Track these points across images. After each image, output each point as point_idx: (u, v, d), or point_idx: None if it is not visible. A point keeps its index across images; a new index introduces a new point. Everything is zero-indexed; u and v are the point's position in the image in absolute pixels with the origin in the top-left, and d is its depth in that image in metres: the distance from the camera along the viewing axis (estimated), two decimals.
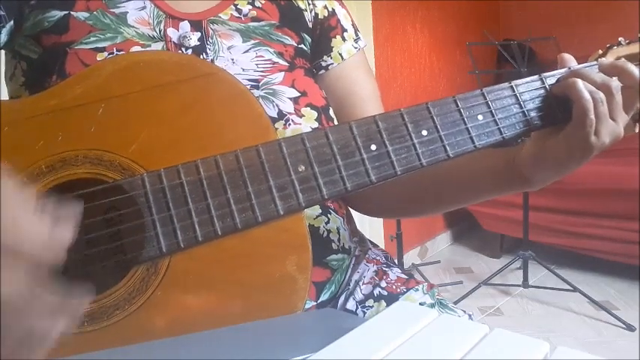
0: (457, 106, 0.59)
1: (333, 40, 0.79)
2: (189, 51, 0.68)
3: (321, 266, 0.71)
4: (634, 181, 2.39)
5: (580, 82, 0.59)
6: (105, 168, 0.54)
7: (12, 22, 0.66)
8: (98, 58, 0.64)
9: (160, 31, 0.68)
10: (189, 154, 0.54)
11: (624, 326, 2.24)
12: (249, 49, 0.71)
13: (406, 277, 0.76)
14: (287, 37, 0.74)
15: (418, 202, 0.78)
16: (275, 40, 0.73)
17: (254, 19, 0.73)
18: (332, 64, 0.78)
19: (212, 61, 0.69)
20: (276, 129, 0.67)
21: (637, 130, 0.65)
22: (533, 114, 0.62)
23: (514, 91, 0.62)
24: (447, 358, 0.39)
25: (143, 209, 0.52)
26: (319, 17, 0.78)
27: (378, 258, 0.80)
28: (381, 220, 2.68)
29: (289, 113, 0.69)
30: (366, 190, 0.57)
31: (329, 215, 0.72)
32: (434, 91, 3.19)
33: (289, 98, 0.70)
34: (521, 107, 0.61)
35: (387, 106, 0.75)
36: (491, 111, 0.60)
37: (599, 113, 0.59)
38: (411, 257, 3.04)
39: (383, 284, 0.74)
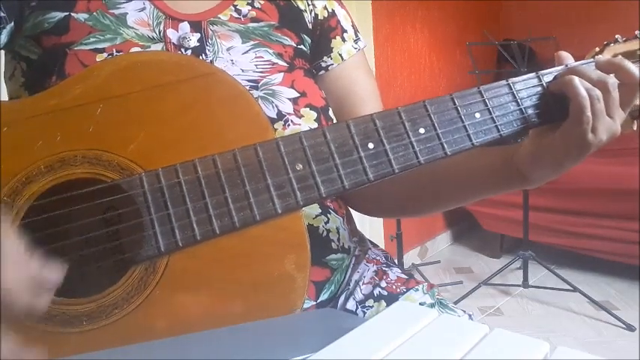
0: (454, 104, 0.59)
1: (333, 40, 0.79)
2: (189, 52, 0.68)
3: (321, 266, 0.71)
4: (634, 181, 2.39)
5: (576, 79, 0.59)
6: (103, 168, 0.54)
7: (12, 23, 0.66)
8: (98, 59, 0.64)
9: (159, 32, 0.68)
10: (188, 153, 0.54)
11: (624, 326, 2.24)
12: (249, 49, 0.71)
13: (406, 277, 0.76)
14: (286, 37, 0.74)
15: (416, 201, 0.77)
16: (274, 41, 0.73)
17: (253, 20, 0.73)
18: (332, 64, 0.78)
19: (211, 61, 0.68)
20: (276, 129, 0.67)
21: (635, 128, 0.65)
22: (530, 111, 0.62)
23: (511, 88, 0.62)
24: (447, 358, 0.39)
25: (141, 208, 0.52)
26: (319, 18, 0.78)
27: (378, 258, 0.80)
28: (381, 220, 2.68)
29: (288, 114, 0.69)
30: (364, 188, 0.57)
31: (328, 215, 0.72)
32: (434, 91, 3.19)
33: (288, 99, 0.70)
34: (518, 105, 0.61)
35: (387, 106, 0.74)
36: (488, 109, 0.60)
37: (596, 110, 0.59)
38: (411, 257, 3.03)
39: (383, 284, 0.74)
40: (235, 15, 0.72)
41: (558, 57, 0.65)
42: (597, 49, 0.68)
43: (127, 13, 0.68)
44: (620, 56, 0.64)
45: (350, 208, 0.82)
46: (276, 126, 0.68)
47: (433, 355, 0.39)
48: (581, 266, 2.76)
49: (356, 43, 0.81)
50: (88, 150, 0.54)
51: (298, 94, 0.71)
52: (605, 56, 0.66)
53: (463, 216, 3.18)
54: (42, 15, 0.66)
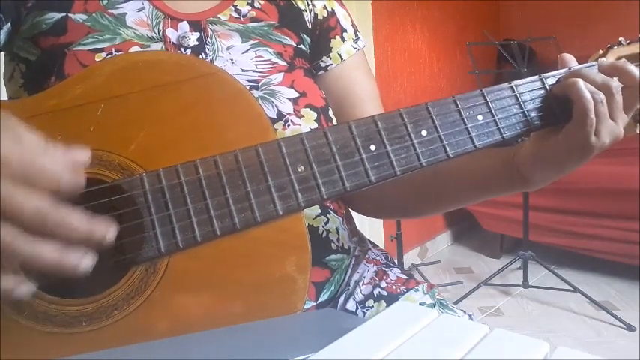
0: (457, 106, 0.59)
1: (333, 40, 0.79)
2: (189, 51, 0.68)
3: (321, 266, 0.71)
4: (634, 181, 2.39)
5: (581, 82, 0.59)
6: (104, 168, 0.54)
7: (9, 24, 0.66)
8: (97, 59, 0.64)
9: (158, 32, 0.68)
10: (189, 154, 0.54)
11: (624, 326, 2.24)
12: (249, 49, 0.71)
13: (406, 277, 0.76)
14: (286, 37, 0.74)
15: (418, 202, 0.77)
16: (274, 41, 0.73)
17: (253, 20, 0.73)
18: (331, 64, 0.78)
19: (211, 61, 0.68)
20: (275, 130, 0.67)
21: (638, 131, 0.65)
22: (533, 114, 0.62)
23: (514, 91, 0.61)
24: (447, 358, 0.39)
25: (142, 209, 0.52)
26: (318, 18, 0.78)
27: (378, 258, 0.80)
28: (381, 220, 2.68)
29: (288, 114, 0.69)
30: (365, 190, 0.57)
31: (328, 215, 0.72)
32: (434, 91, 3.19)
33: (288, 99, 0.70)
34: (521, 107, 0.61)
35: (387, 106, 0.75)
36: (491, 111, 0.60)
37: (599, 113, 0.58)
38: (411, 257, 3.04)
39: (383, 284, 0.74)
40: (235, 15, 0.72)
41: (561, 60, 0.65)
42: (601, 51, 0.68)
43: (126, 13, 0.68)
44: (623, 59, 0.64)
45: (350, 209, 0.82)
46: (276, 126, 0.68)
47: (433, 355, 0.39)
48: (581, 266, 2.76)
49: (356, 43, 0.81)
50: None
51: (298, 94, 0.71)
52: (609, 59, 0.66)
53: (463, 216, 3.18)
54: (39, 16, 0.66)
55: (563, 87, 0.61)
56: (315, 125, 0.70)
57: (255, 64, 0.70)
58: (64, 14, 0.66)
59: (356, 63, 0.81)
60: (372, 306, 0.72)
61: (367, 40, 2.50)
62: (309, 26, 0.77)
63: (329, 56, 0.78)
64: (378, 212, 0.87)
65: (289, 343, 0.48)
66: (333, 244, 0.72)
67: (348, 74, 0.80)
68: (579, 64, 0.64)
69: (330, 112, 0.75)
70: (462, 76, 3.32)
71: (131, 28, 0.67)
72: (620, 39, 0.67)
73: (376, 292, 0.73)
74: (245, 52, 0.70)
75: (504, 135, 0.60)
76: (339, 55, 0.79)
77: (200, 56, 0.68)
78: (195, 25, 0.70)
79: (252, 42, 0.71)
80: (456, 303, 2.10)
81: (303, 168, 0.54)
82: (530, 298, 2.56)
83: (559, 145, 0.61)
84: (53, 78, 0.64)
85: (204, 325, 0.52)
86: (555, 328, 2.30)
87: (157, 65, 0.58)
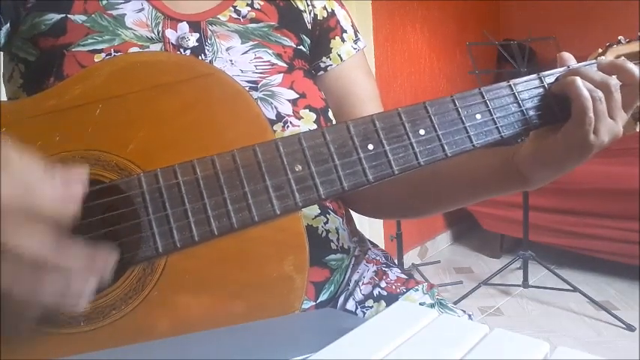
0: (455, 105, 0.59)
1: (332, 41, 0.79)
2: (188, 52, 0.68)
3: (320, 266, 0.71)
4: (634, 181, 2.39)
5: (579, 80, 0.59)
6: (102, 168, 0.54)
7: (8, 24, 0.66)
8: (96, 60, 0.64)
9: (158, 33, 0.68)
10: (187, 154, 0.54)
11: (624, 326, 2.24)
12: (248, 50, 0.70)
13: (406, 277, 0.76)
14: (286, 38, 0.74)
15: (417, 202, 0.77)
16: (274, 42, 0.73)
17: (253, 21, 0.73)
18: (331, 65, 0.78)
19: (211, 62, 0.68)
20: (275, 131, 0.67)
21: (637, 129, 0.65)
22: (531, 113, 0.61)
23: (512, 90, 0.61)
24: (447, 358, 0.39)
25: (140, 209, 0.52)
26: (318, 18, 0.78)
27: (377, 258, 0.80)
28: (381, 220, 2.68)
29: (288, 115, 0.69)
30: (364, 190, 0.57)
31: (328, 215, 0.72)
32: (434, 91, 3.19)
33: (288, 100, 0.69)
34: (519, 106, 0.61)
35: (386, 107, 0.74)
36: (489, 110, 0.60)
37: (598, 111, 0.58)
38: (411, 257, 3.04)
39: (383, 284, 0.74)
40: (234, 15, 0.72)
41: (560, 58, 0.64)
42: (600, 50, 0.68)
43: (126, 14, 0.68)
44: (623, 57, 0.64)
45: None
46: (275, 127, 0.67)
47: (433, 355, 0.39)
48: (581, 266, 2.76)
49: (355, 44, 0.81)
50: (87, 150, 0.54)
51: (298, 95, 0.71)
52: (608, 57, 0.66)
53: (463, 216, 3.18)
54: (39, 16, 0.66)
55: (561, 85, 0.61)
56: (315, 127, 0.70)
57: (255, 65, 0.70)
58: (64, 15, 0.66)
59: (356, 63, 0.81)
60: (372, 306, 0.71)
61: (367, 40, 2.51)
62: (309, 27, 0.77)
63: (329, 57, 0.78)
64: (378, 212, 0.86)
65: (289, 343, 0.48)
66: (332, 244, 0.72)
67: (347, 75, 0.79)
68: (579, 63, 0.64)
69: (330, 114, 0.75)
70: (462, 76, 3.32)
71: (130, 28, 0.67)
72: (619, 37, 0.67)
73: (376, 292, 0.73)
74: (244, 53, 0.70)
75: (503, 134, 0.60)
76: (339, 55, 0.78)
77: (199, 57, 0.68)
78: (194, 26, 0.69)
79: (251, 43, 0.71)
80: (456, 303, 2.10)
81: (300, 167, 0.54)
82: (530, 298, 2.56)
83: (558, 143, 0.61)
84: (52, 79, 0.64)
85: (202, 324, 0.52)
86: (555, 328, 2.30)
87: (156, 66, 0.58)
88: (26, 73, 0.67)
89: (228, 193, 0.53)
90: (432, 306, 0.71)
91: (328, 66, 0.78)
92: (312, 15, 0.78)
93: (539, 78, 0.63)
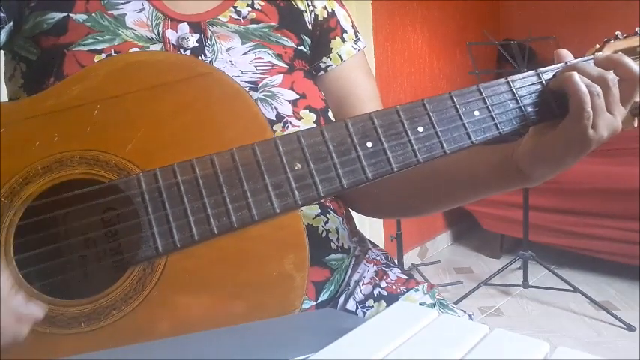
0: (453, 102, 0.59)
1: (333, 41, 0.78)
2: (188, 52, 0.68)
3: (321, 266, 0.70)
4: (634, 181, 2.38)
5: (576, 75, 0.59)
6: (101, 168, 0.54)
7: (11, 23, 0.66)
8: (96, 60, 0.64)
9: (158, 33, 0.68)
10: (186, 153, 0.54)
11: (624, 326, 2.24)
12: (248, 50, 0.70)
13: (406, 277, 0.76)
14: (286, 38, 0.74)
15: (417, 201, 0.77)
16: (274, 42, 0.72)
17: (253, 21, 0.73)
18: (331, 65, 0.78)
19: (211, 62, 0.68)
20: (275, 131, 0.67)
21: (636, 125, 0.65)
22: (530, 109, 0.61)
23: (510, 86, 0.61)
24: (447, 358, 0.39)
25: (139, 209, 0.52)
26: (319, 18, 0.78)
27: (378, 258, 0.80)
28: (381, 220, 2.68)
29: (287, 116, 0.69)
30: (363, 189, 0.57)
31: (328, 215, 0.72)
32: (434, 91, 3.19)
33: (288, 100, 0.69)
34: (517, 102, 0.61)
35: (386, 106, 0.74)
36: (487, 106, 0.60)
37: (596, 106, 0.58)
38: (411, 257, 3.03)
39: (383, 284, 0.74)
40: (235, 16, 0.72)
41: (558, 55, 0.64)
42: (597, 46, 0.68)
43: (126, 14, 0.68)
44: (620, 52, 0.64)
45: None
46: (275, 128, 0.67)
47: (433, 355, 0.39)
48: (581, 266, 2.76)
49: (356, 44, 0.81)
50: (86, 151, 0.54)
51: (298, 96, 0.71)
52: (605, 53, 0.66)
53: (463, 216, 3.18)
54: (41, 15, 0.66)
55: (559, 81, 0.61)
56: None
57: (255, 66, 0.70)
58: (66, 14, 0.66)
59: (356, 64, 0.81)
60: (372, 306, 0.71)
61: (367, 40, 2.50)
62: (310, 27, 0.77)
63: (329, 57, 0.78)
64: (378, 212, 0.86)
65: (289, 343, 0.48)
66: (332, 243, 0.72)
67: (348, 75, 0.79)
68: (576, 59, 0.64)
69: (330, 114, 0.75)
70: (462, 76, 3.32)
71: (131, 28, 0.67)
72: (616, 33, 0.67)
73: (376, 292, 0.73)
74: (245, 53, 0.70)
75: (501, 130, 0.60)
76: (339, 55, 0.78)
77: (199, 57, 0.68)
78: (194, 27, 0.69)
79: (252, 43, 0.71)
80: (456, 303, 2.10)
81: (299, 166, 0.54)
82: (530, 298, 2.56)
83: (557, 139, 0.61)
84: (52, 78, 0.64)
85: (202, 324, 0.51)
86: (555, 328, 2.30)
87: (154, 65, 0.58)
88: (27, 73, 0.67)
89: (228, 192, 0.53)
90: (432, 306, 0.71)
91: (328, 66, 0.78)
92: (312, 15, 0.77)
93: (537, 74, 0.63)
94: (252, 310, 0.54)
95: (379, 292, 0.73)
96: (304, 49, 0.76)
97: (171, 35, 0.68)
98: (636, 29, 0.66)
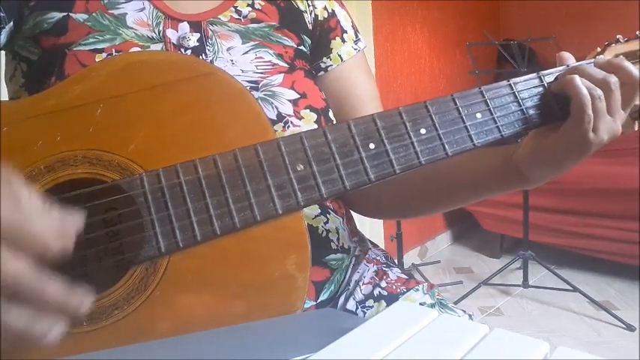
0: (455, 104, 0.59)
1: (333, 41, 0.79)
2: (189, 52, 0.68)
3: (320, 266, 0.71)
4: (634, 181, 2.39)
5: (577, 78, 0.59)
6: (103, 168, 0.54)
7: (11, 23, 0.66)
8: (97, 60, 0.64)
9: (159, 32, 0.68)
10: (188, 153, 0.54)
11: (624, 326, 2.24)
12: (249, 50, 0.71)
13: (406, 277, 0.76)
14: (287, 38, 0.74)
15: (417, 202, 0.77)
16: (275, 42, 0.73)
17: (253, 21, 0.73)
18: (331, 65, 0.78)
19: (211, 62, 0.68)
20: (276, 131, 0.67)
21: (636, 128, 0.65)
22: (531, 112, 0.62)
23: (512, 89, 0.62)
24: (447, 358, 0.39)
25: (142, 209, 0.52)
26: (319, 19, 0.78)
27: (378, 258, 0.80)
28: (381, 220, 2.68)
29: (288, 115, 0.69)
30: (365, 190, 0.57)
31: (328, 215, 0.72)
32: (434, 91, 3.19)
33: (288, 100, 0.70)
34: (519, 105, 0.61)
35: (386, 107, 0.74)
36: (489, 109, 0.60)
37: (598, 110, 0.59)
38: (411, 257, 3.04)
39: (383, 284, 0.74)
40: (235, 16, 0.72)
41: (560, 58, 0.65)
42: (599, 49, 0.68)
43: (127, 14, 0.68)
44: (621, 56, 0.64)
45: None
46: (275, 127, 0.68)
47: (433, 355, 0.39)
48: (581, 266, 2.76)
49: (356, 44, 0.81)
50: (88, 150, 0.54)
51: (298, 96, 0.71)
52: (607, 56, 0.66)
53: (463, 216, 3.18)
54: (41, 15, 0.66)
55: (561, 84, 0.61)
56: (315, 127, 0.70)
57: (256, 65, 0.70)
58: (66, 14, 0.66)
59: (356, 64, 0.81)
60: (372, 306, 0.71)
61: (367, 40, 2.50)
62: (310, 27, 0.77)
63: (329, 57, 0.78)
64: (378, 212, 0.87)
65: (289, 343, 0.48)
66: (332, 243, 0.72)
67: (347, 75, 0.80)
68: (577, 62, 0.64)
69: (330, 114, 0.75)
70: (462, 76, 3.32)
71: (131, 28, 0.67)
72: (617, 36, 0.67)
73: (376, 292, 0.73)
74: (245, 53, 0.70)
75: (503, 133, 0.60)
76: (339, 56, 0.79)
77: (200, 57, 0.68)
78: (195, 26, 0.70)
79: (252, 43, 0.71)
80: (456, 303, 2.10)
81: (302, 167, 0.54)
82: (530, 298, 2.56)
83: (558, 142, 0.61)
84: (53, 78, 0.64)
85: (204, 324, 0.52)
86: (555, 328, 2.30)
87: (156, 65, 0.58)
88: (28, 72, 0.68)
89: (230, 193, 0.53)
90: (432, 306, 0.71)
91: (328, 66, 0.78)
92: (312, 15, 0.78)
93: (539, 77, 0.63)
94: (254, 311, 0.54)
95: (379, 292, 0.73)
96: (304, 49, 0.76)
97: (171, 34, 0.68)
98: (637, 32, 0.66)
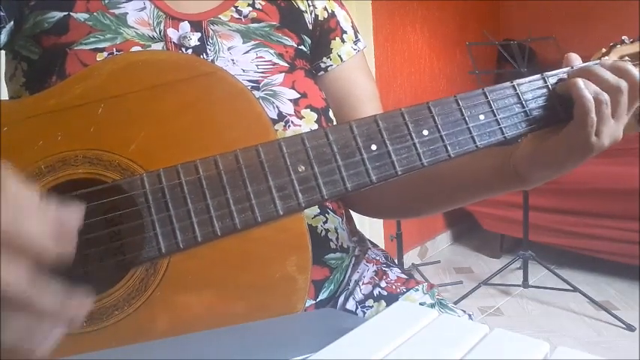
0: (458, 105, 0.59)
1: (333, 41, 0.79)
2: (190, 51, 0.68)
3: (320, 265, 0.71)
4: (634, 181, 2.39)
5: (580, 82, 0.59)
6: (104, 168, 0.54)
7: (12, 22, 0.66)
8: (98, 59, 0.64)
9: (159, 32, 0.68)
10: (189, 153, 0.54)
11: (624, 326, 2.24)
12: (250, 49, 0.71)
13: (406, 277, 0.76)
14: (287, 38, 0.74)
15: (418, 202, 0.77)
16: (275, 41, 0.73)
17: (254, 21, 0.73)
18: (331, 65, 0.78)
19: (212, 61, 0.68)
20: (276, 131, 0.67)
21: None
22: (535, 113, 0.61)
23: (516, 90, 0.61)
24: (447, 358, 0.39)
25: (142, 209, 0.52)
26: (319, 19, 0.78)
27: (377, 258, 0.80)
28: (381, 220, 2.68)
29: (289, 115, 0.69)
30: (366, 192, 0.57)
31: (327, 215, 0.72)
32: (434, 91, 3.19)
33: (289, 100, 0.70)
34: (523, 107, 0.61)
35: (386, 107, 0.75)
36: (492, 110, 0.60)
37: (602, 114, 0.58)
38: (411, 257, 3.04)
39: (383, 284, 0.74)
40: (236, 15, 0.72)
41: (567, 59, 0.64)
42: (604, 50, 0.68)
43: (127, 13, 0.68)
44: (626, 58, 0.64)
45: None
46: (276, 127, 0.68)
47: (433, 355, 0.39)
48: (581, 266, 2.76)
49: (355, 44, 0.81)
50: (89, 150, 0.54)
51: (299, 95, 0.71)
52: (612, 58, 0.65)
53: (463, 216, 3.18)
54: (41, 15, 0.66)
55: (565, 86, 0.61)
56: (316, 126, 0.70)
57: (257, 65, 0.70)
58: (66, 13, 0.66)
59: (356, 64, 0.81)
60: (372, 306, 0.72)
61: (367, 40, 2.51)
62: (310, 27, 0.77)
63: (329, 57, 0.78)
64: (379, 212, 0.87)
65: (289, 343, 0.48)
66: (331, 243, 0.72)
67: (347, 75, 0.80)
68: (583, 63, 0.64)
69: (331, 113, 0.75)
70: (462, 76, 3.32)
71: (132, 27, 0.67)
72: (623, 37, 0.67)
73: (376, 291, 0.73)
74: (246, 52, 0.70)
75: (506, 134, 0.60)
76: (339, 56, 0.79)
77: (201, 56, 0.68)
78: (196, 26, 0.70)
79: (253, 42, 0.71)
80: (456, 303, 2.10)
81: (303, 168, 0.54)
82: (530, 298, 2.56)
83: (560, 144, 0.61)
84: (54, 77, 0.64)
85: (204, 325, 0.52)
86: (555, 328, 2.30)
87: (157, 65, 0.58)
88: (29, 72, 0.68)
89: (231, 194, 0.53)
90: (432, 306, 0.71)
91: (328, 66, 0.78)
92: (313, 15, 0.78)
93: (543, 78, 0.62)
94: (254, 312, 0.54)
95: (379, 292, 0.73)
96: (305, 49, 0.76)
97: (172, 34, 0.68)
98: None
